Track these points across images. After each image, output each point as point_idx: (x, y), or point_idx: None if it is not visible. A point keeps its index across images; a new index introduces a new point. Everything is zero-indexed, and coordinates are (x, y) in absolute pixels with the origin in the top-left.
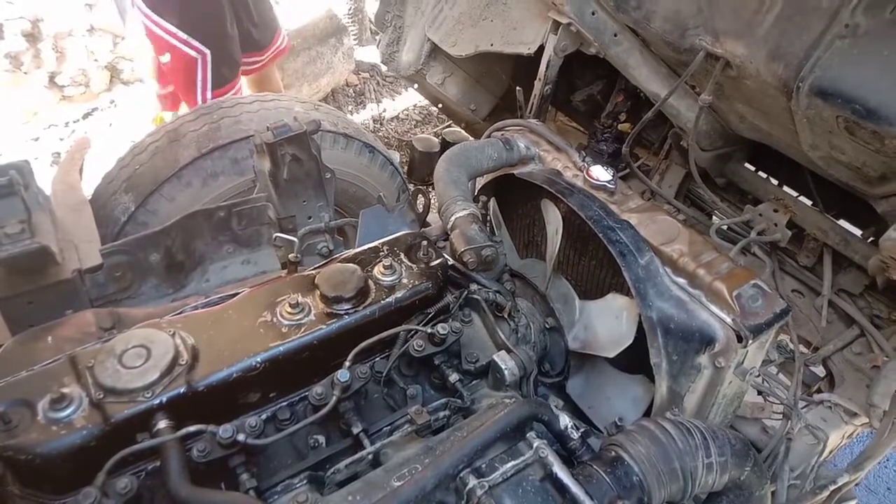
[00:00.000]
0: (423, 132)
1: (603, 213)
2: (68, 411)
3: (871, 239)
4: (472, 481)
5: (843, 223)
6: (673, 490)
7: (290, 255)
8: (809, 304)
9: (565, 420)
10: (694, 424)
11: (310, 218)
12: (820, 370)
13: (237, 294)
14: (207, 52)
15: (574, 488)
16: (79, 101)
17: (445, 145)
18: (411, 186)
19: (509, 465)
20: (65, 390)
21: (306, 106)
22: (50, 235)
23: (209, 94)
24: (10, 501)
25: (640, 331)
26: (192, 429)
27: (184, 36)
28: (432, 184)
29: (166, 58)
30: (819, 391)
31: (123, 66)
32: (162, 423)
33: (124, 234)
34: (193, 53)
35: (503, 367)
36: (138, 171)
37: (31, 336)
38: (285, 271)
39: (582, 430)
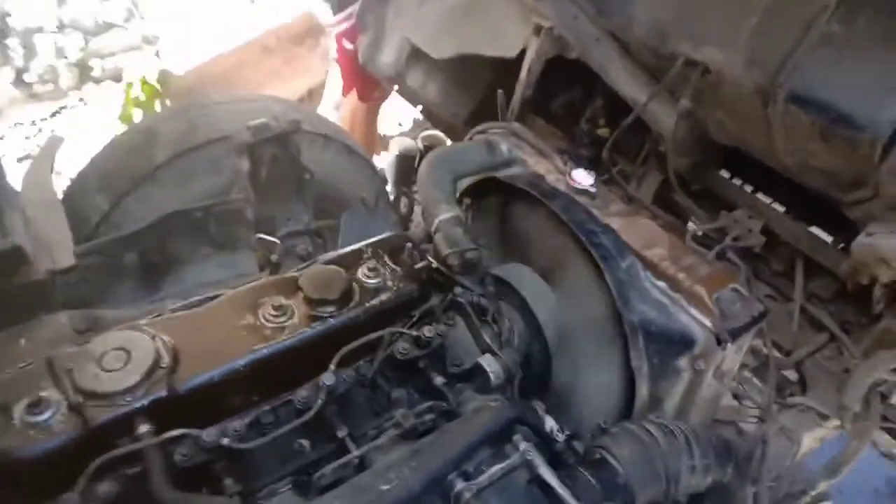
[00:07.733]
0: (400, 135)
1: (585, 216)
2: (46, 415)
3: (842, 245)
4: (460, 484)
5: (815, 230)
6: (656, 492)
7: (271, 257)
8: (782, 310)
9: (550, 423)
10: (678, 427)
11: (289, 219)
12: (792, 374)
13: (217, 296)
14: None
15: (560, 490)
16: (47, 99)
17: (425, 149)
18: (389, 188)
19: (496, 468)
20: (42, 394)
21: (284, 106)
22: (22, 235)
23: None
24: None
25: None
26: (175, 433)
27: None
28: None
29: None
30: (791, 395)
31: (94, 63)
32: (143, 428)
33: (97, 236)
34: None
35: (488, 370)
36: (112, 170)
37: (2, 339)
38: (264, 273)
39: (567, 432)
